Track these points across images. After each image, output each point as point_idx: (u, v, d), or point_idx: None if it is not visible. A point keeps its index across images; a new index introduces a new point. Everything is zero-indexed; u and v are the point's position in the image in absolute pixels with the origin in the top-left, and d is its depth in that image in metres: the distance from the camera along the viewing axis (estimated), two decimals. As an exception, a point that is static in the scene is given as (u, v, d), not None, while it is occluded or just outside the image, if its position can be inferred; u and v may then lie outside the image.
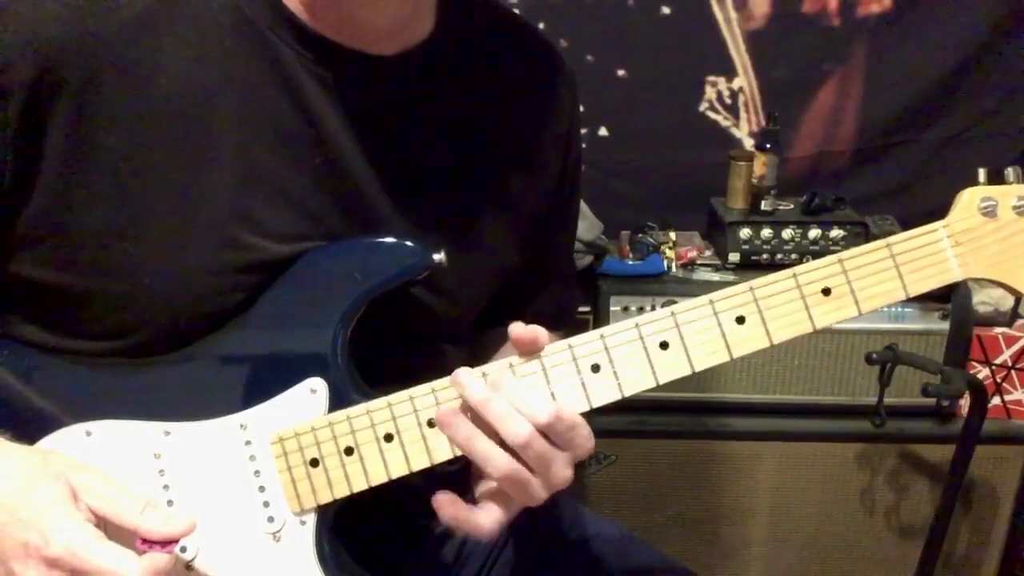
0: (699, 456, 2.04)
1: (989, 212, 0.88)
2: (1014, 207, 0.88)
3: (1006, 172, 0.89)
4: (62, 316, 0.94)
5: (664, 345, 0.88)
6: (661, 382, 0.88)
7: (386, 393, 0.91)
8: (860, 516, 2.07)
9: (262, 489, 0.93)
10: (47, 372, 0.95)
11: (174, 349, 0.93)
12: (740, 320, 0.88)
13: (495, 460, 0.86)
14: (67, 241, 0.90)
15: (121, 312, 0.92)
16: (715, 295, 0.88)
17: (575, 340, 0.89)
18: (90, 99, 0.87)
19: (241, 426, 0.93)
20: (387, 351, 0.95)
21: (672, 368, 0.88)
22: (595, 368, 0.88)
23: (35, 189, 0.89)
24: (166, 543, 0.83)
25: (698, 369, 0.88)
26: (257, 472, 0.93)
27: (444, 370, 0.90)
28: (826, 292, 0.88)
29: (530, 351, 0.88)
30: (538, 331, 0.88)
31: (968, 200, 0.89)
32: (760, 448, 2.04)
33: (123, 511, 0.83)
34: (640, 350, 0.88)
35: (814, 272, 0.88)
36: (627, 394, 0.88)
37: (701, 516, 2.07)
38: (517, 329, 0.88)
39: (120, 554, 0.80)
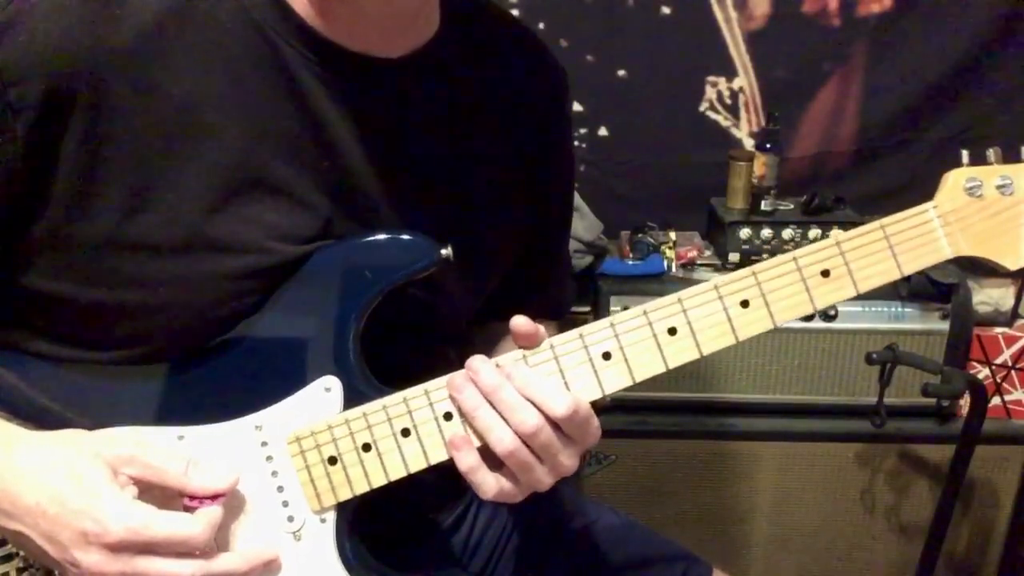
0: (699, 456, 2.05)
1: (974, 192, 0.91)
2: (998, 187, 0.91)
3: (987, 153, 0.92)
4: (74, 327, 0.92)
5: (672, 331, 0.89)
6: (671, 366, 0.89)
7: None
8: (860, 516, 2.08)
9: (280, 489, 0.92)
10: (57, 382, 0.94)
11: (185, 354, 0.93)
12: (744, 304, 0.89)
13: (498, 432, 0.86)
14: (81, 253, 0.89)
15: (135, 321, 0.91)
16: (719, 280, 0.90)
17: (585, 329, 0.90)
18: (102, 111, 0.86)
19: (256, 427, 0.92)
20: (386, 351, 0.95)
21: (681, 353, 0.89)
22: (606, 356, 0.89)
23: (48, 201, 0.87)
24: (215, 496, 0.86)
25: (706, 353, 0.89)
26: (275, 472, 0.92)
27: (442, 368, 0.90)
28: (825, 274, 0.90)
29: (529, 344, 0.89)
30: (540, 327, 0.89)
31: (954, 181, 0.91)
32: (760, 448, 2.04)
33: (167, 475, 0.86)
34: (649, 336, 0.89)
35: (813, 255, 0.90)
36: (638, 379, 0.89)
37: (701, 516, 2.07)
38: (519, 321, 0.88)
39: (179, 519, 0.83)
